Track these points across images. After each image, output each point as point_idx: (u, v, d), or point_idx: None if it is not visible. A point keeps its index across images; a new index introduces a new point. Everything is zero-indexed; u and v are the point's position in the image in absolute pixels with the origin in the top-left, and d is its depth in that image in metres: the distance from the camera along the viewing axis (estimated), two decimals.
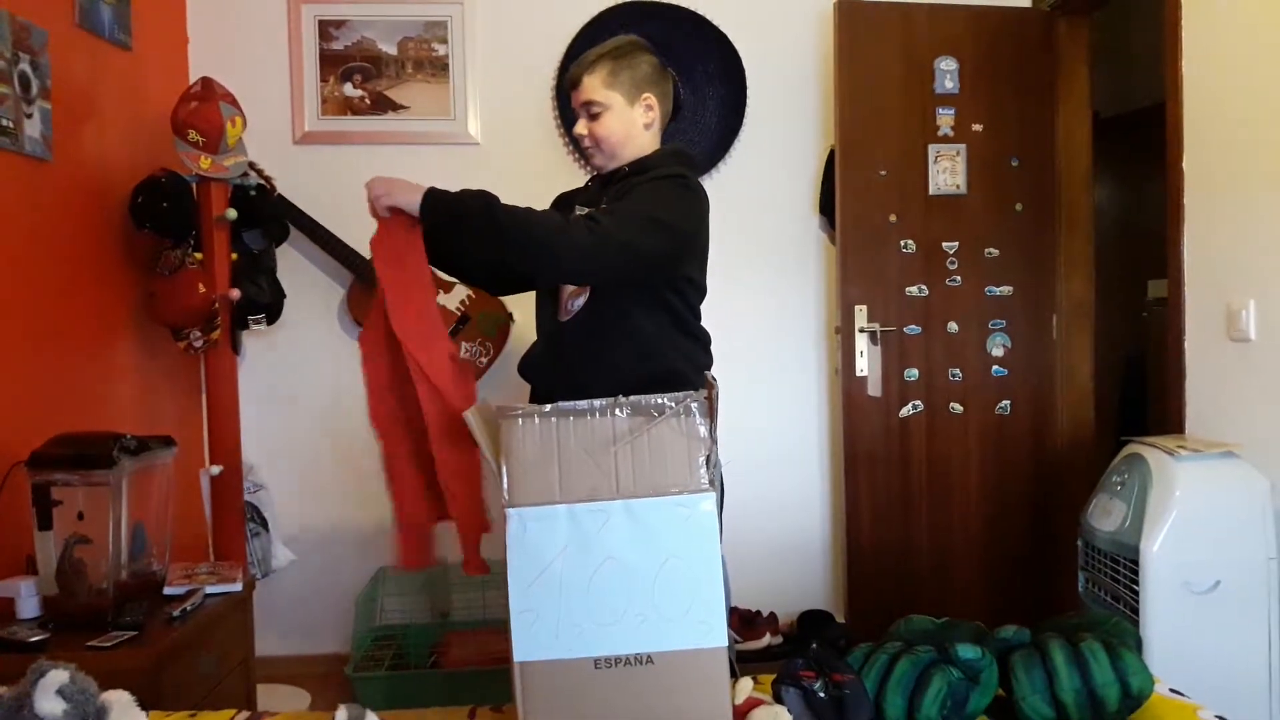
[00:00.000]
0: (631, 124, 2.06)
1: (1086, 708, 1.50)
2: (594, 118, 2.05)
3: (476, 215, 1.79)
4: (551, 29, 3.48)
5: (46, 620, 2.11)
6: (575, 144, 2.07)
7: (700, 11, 3.50)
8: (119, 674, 1.61)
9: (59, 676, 1.36)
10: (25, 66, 2.41)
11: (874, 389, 3.37)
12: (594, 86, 2.04)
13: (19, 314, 2.41)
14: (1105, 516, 2.47)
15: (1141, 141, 3.90)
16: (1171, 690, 1.65)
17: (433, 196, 1.79)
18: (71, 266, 2.65)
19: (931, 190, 3.39)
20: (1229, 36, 2.56)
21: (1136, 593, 2.31)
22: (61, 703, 1.34)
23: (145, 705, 1.49)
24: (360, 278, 3.38)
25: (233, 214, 2.92)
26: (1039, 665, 1.53)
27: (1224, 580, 2.28)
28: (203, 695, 2.18)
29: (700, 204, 2.02)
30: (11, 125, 2.36)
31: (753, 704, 1.44)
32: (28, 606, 2.13)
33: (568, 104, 3.44)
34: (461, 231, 1.80)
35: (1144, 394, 4.54)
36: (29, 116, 2.43)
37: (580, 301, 2.01)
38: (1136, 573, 2.31)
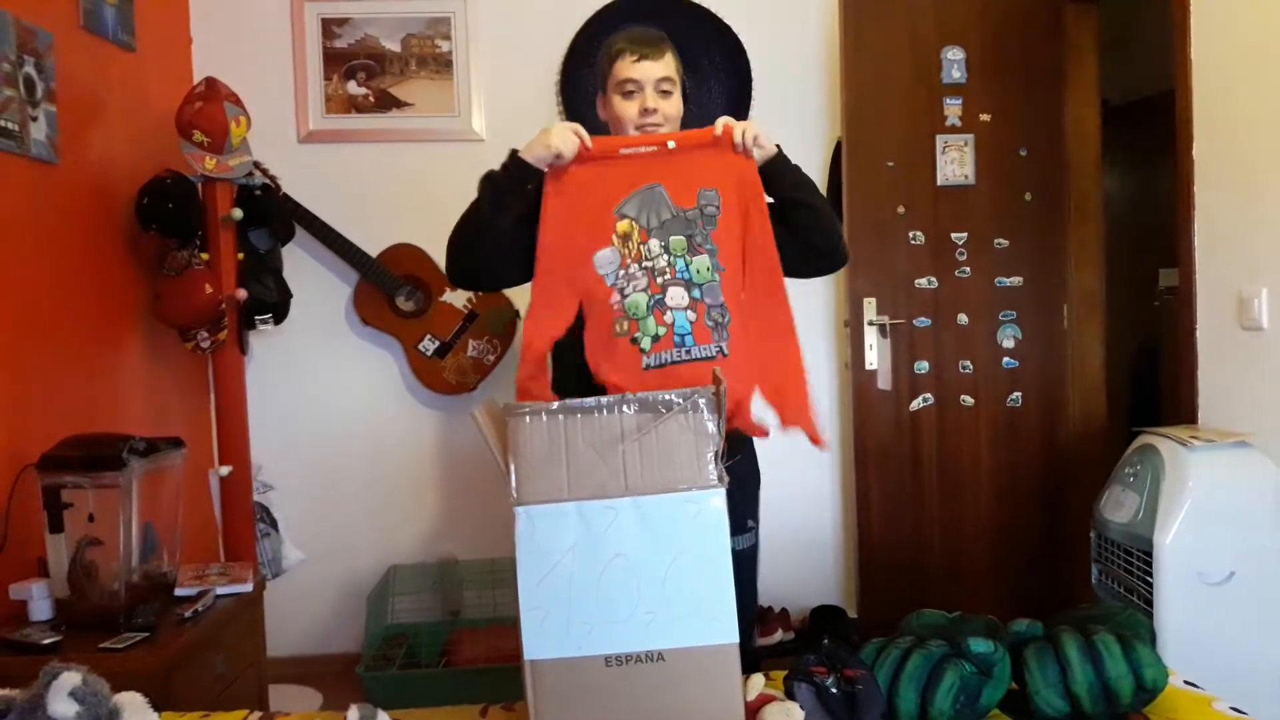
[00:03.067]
0: (681, 112, 2.09)
1: (1100, 700, 1.49)
2: (665, 94, 2.03)
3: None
4: (555, 24, 3.48)
5: (59, 622, 2.12)
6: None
7: (704, 3, 3.49)
8: (131, 675, 1.62)
9: (72, 679, 1.36)
10: (30, 69, 2.41)
11: (884, 382, 3.35)
12: (671, 64, 2.03)
13: (27, 317, 2.42)
14: (1118, 508, 2.45)
15: (1152, 129, 3.87)
16: (1186, 682, 1.64)
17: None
18: (78, 268, 2.66)
19: (939, 181, 3.37)
20: (1238, 23, 2.53)
21: (1150, 584, 2.29)
22: (74, 705, 1.34)
23: (157, 706, 1.50)
24: (366, 276, 3.38)
25: (238, 214, 2.92)
26: (1052, 658, 1.52)
27: (1238, 571, 2.26)
28: (215, 696, 2.18)
29: None
30: (17, 128, 2.36)
31: (765, 700, 1.44)
32: (40, 609, 2.14)
33: (573, 98, 3.45)
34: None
35: (1156, 384, 4.51)
36: (34, 119, 2.43)
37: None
38: (1150, 564, 2.29)
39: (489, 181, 1.96)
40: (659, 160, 1.96)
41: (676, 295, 1.90)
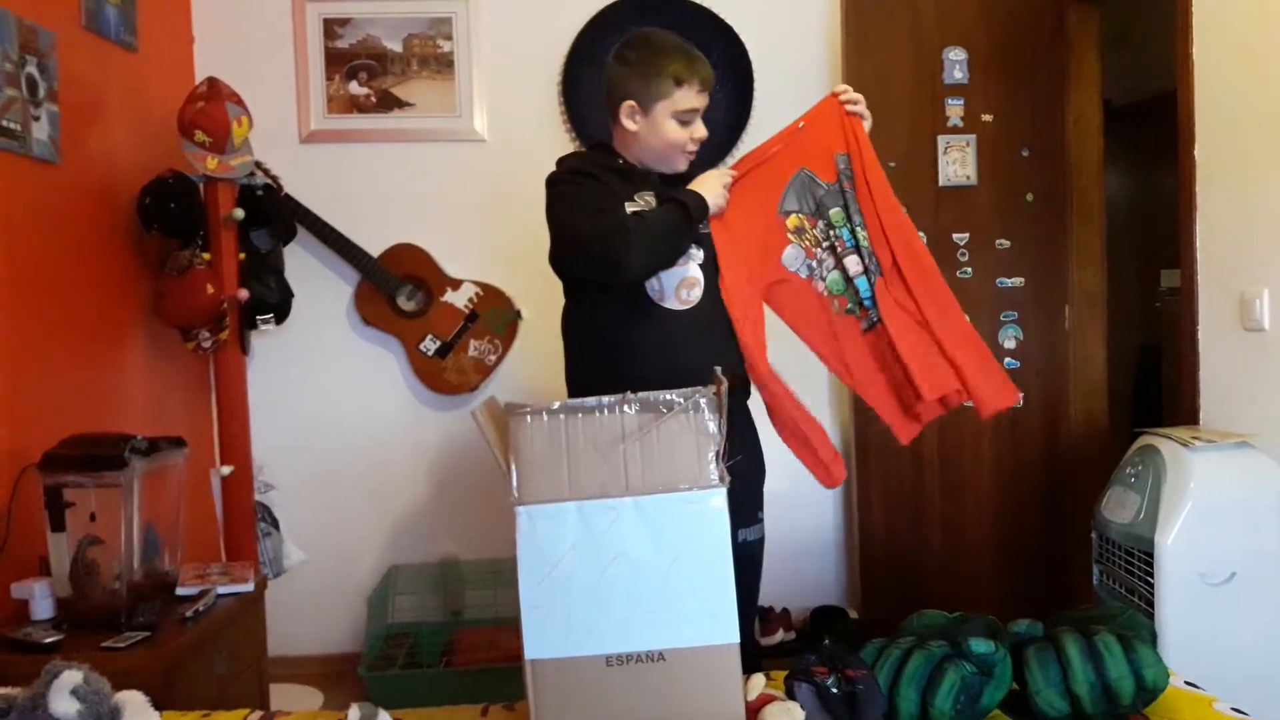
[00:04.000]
0: None
1: (1101, 701, 1.49)
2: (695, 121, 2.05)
3: None
4: (556, 24, 3.47)
5: (60, 621, 2.12)
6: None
7: (706, 3, 3.48)
8: (132, 674, 1.62)
9: (73, 677, 1.36)
10: (32, 69, 2.41)
11: None
12: None
13: (29, 316, 2.42)
14: (1119, 508, 2.45)
15: (1153, 130, 3.87)
16: (1187, 683, 1.64)
17: None
18: (80, 268, 2.66)
19: (941, 181, 3.37)
20: (1240, 23, 2.53)
21: (1151, 585, 2.29)
22: (76, 703, 1.34)
23: (158, 705, 1.50)
24: (367, 276, 3.38)
25: (240, 214, 2.93)
26: (1053, 659, 1.52)
27: (1239, 572, 2.26)
28: (216, 695, 2.18)
29: None
30: (19, 128, 2.36)
31: (765, 700, 1.44)
32: (42, 608, 2.14)
33: (574, 98, 3.45)
34: None
35: (1158, 385, 4.51)
36: (36, 119, 2.43)
37: (699, 291, 2.03)
38: (1151, 565, 2.29)
39: (697, 214, 1.96)
40: (793, 146, 2.11)
41: (853, 263, 2.10)
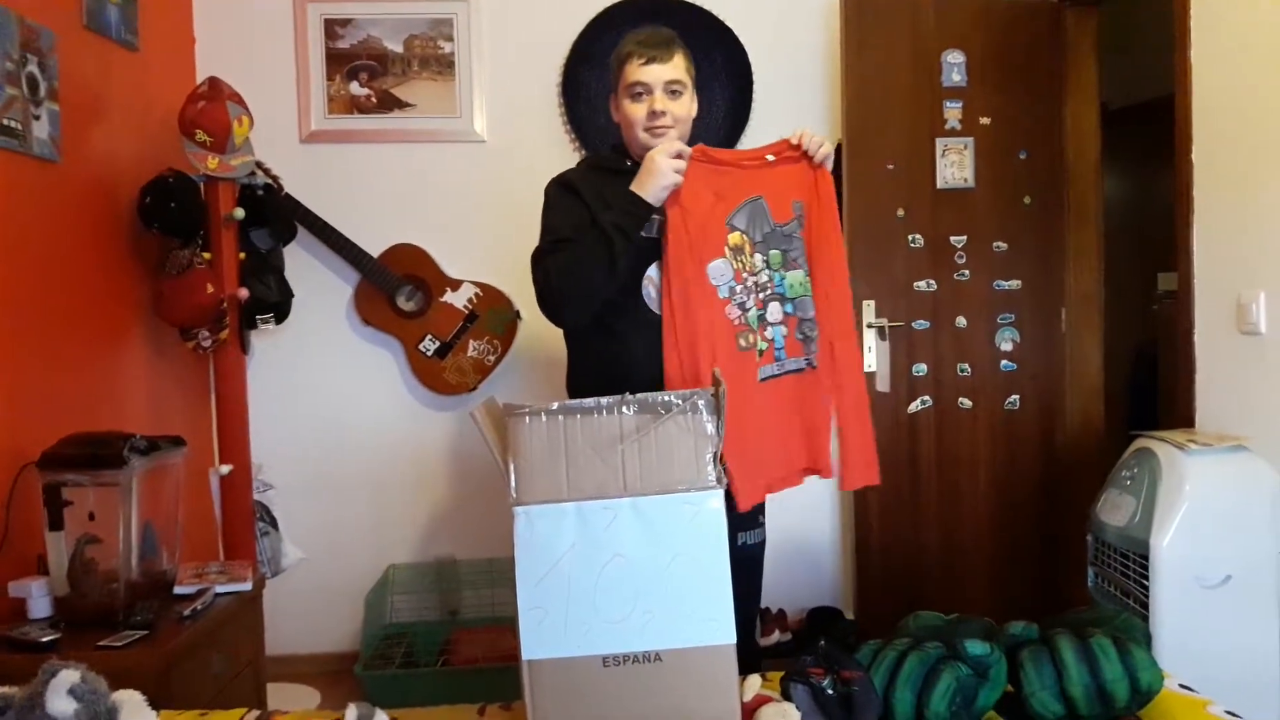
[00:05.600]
0: (693, 111, 2.10)
1: (1096, 703, 1.50)
2: (674, 95, 2.04)
3: None
4: (557, 25, 3.48)
5: (58, 620, 2.12)
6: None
7: (706, 6, 3.49)
8: (129, 673, 1.62)
9: (70, 676, 1.36)
10: (33, 68, 2.42)
11: (882, 384, 3.36)
12: (680, 65, 2.04)
13: (28, 315, 2.42)
14: (1115, 511, 2.46)
15: (1151, 133, 3.87)
16: (1181, 685, 1.65)
17: None
18: (80, 267, 2.66)
19: (939, 184, 3.38)
20: (1237, 26, 2.54)
21: (1146, 588, 2.30)
22: (73, 702, 1.35)
23: (155, 705, 1.50)
24: (367, 276, 3.39)
25: (240, 213, 2.93)
26: (1048, 661, 1.53)
27: (1234, 574, 2.27)
28: (213, 694, 2.18)
29: None
30: (19, 127, 2.37)
31: (761, 701, 1.45)
32: (39, 606, 2.14)
33: (574, 100, 3.46)
34: None
35: (1153, 387, 4.52)
36: (37, 118, 2.44)
37: None
38: (1146, 568, 2.30)
39: (623, 236, 1.92)
40: (760, 173, 2.02)
41: (774, 310, 2.00)
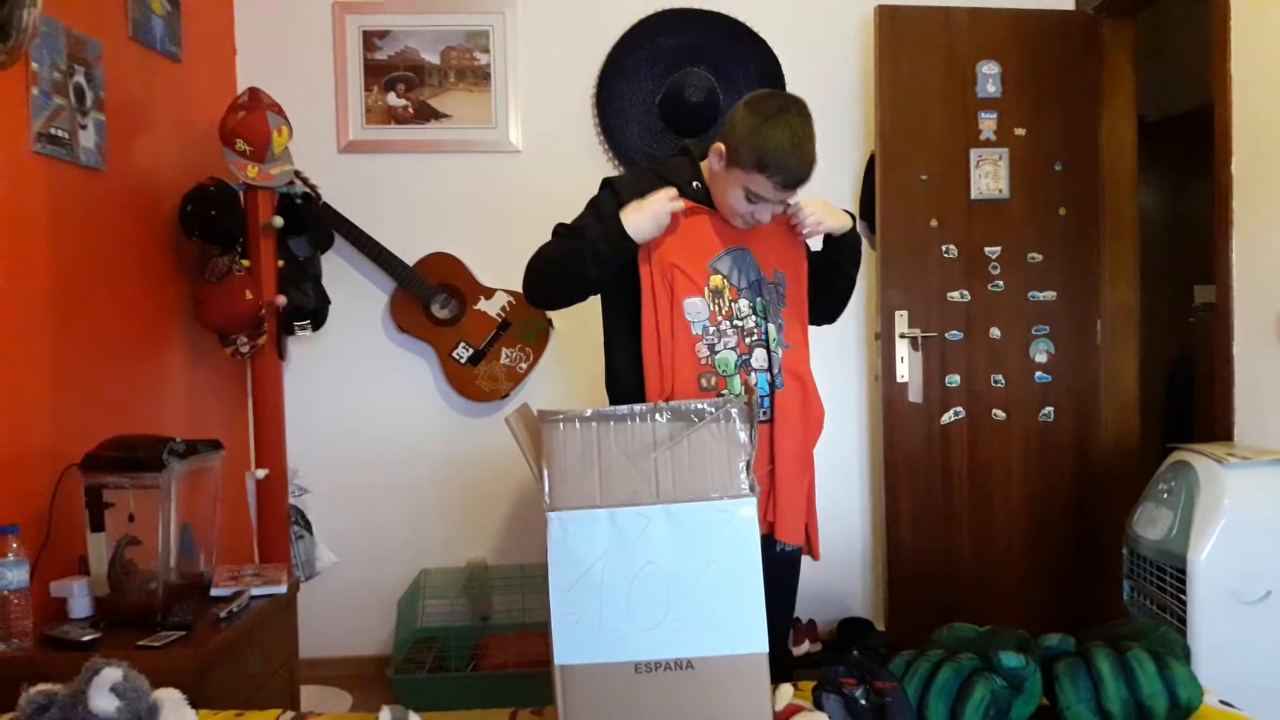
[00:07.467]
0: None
1: (1133, 718, 1.48)
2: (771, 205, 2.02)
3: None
4: (591, 37, 3.50)
5: (98, 619, 2.16)
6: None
7: (740, 18, 3.49)
8: (168, 673, 1.64)
9: (113, 674, 1.38)
10: (80, 79, 2.47)
11: (915, 395, 3.34)
12: None
13: (73, 320, 2.47)
14: (1151, 525, 2.43)
15: (1187, 146, 3.84)
16: (1221, 702, 1.62)
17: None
18: (123, 274, 2.71)
19: (973, 195, 3.36)
20: (1279, 37, 2.51)
21: (1183, 602, 2.27)
22: (115, 700, 1.36)
23: (193, 704, 1.52)
24: (403, 284, 3.42)
25: (279, 222, 2.97)
26: (1084, 674, 1.51)
27: (1275, 590, 2.23)
28: (248, 695, 2.21)
29: None
30: (67, 136, 2.42)
31: (793, 710, 1.44)
32: (80, 606, 2.18)
33: (608, 110, 3.47)
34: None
35: (1190, 400, 4.46)
36: (84, 128, 2.49)
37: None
38: (1183, 582, 2.27)
39: (597, 260, 1.98)
40: (750, 230, 2.06)
41: (760, 358, 2.01)
